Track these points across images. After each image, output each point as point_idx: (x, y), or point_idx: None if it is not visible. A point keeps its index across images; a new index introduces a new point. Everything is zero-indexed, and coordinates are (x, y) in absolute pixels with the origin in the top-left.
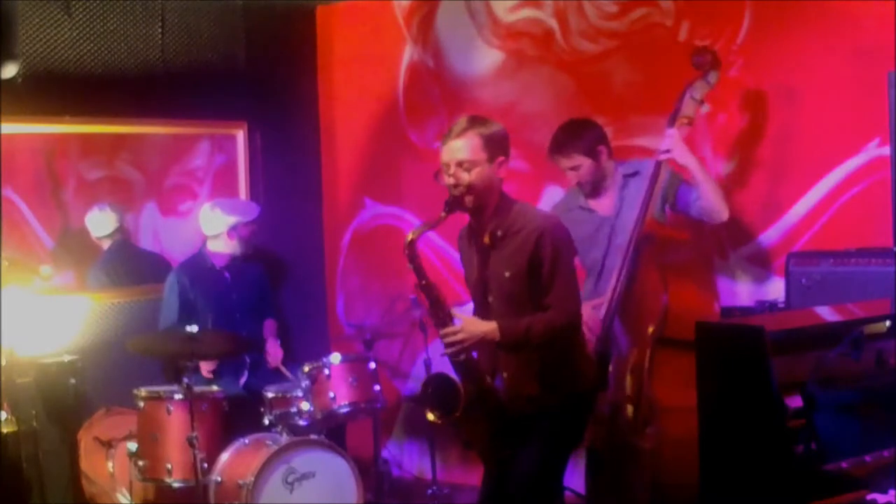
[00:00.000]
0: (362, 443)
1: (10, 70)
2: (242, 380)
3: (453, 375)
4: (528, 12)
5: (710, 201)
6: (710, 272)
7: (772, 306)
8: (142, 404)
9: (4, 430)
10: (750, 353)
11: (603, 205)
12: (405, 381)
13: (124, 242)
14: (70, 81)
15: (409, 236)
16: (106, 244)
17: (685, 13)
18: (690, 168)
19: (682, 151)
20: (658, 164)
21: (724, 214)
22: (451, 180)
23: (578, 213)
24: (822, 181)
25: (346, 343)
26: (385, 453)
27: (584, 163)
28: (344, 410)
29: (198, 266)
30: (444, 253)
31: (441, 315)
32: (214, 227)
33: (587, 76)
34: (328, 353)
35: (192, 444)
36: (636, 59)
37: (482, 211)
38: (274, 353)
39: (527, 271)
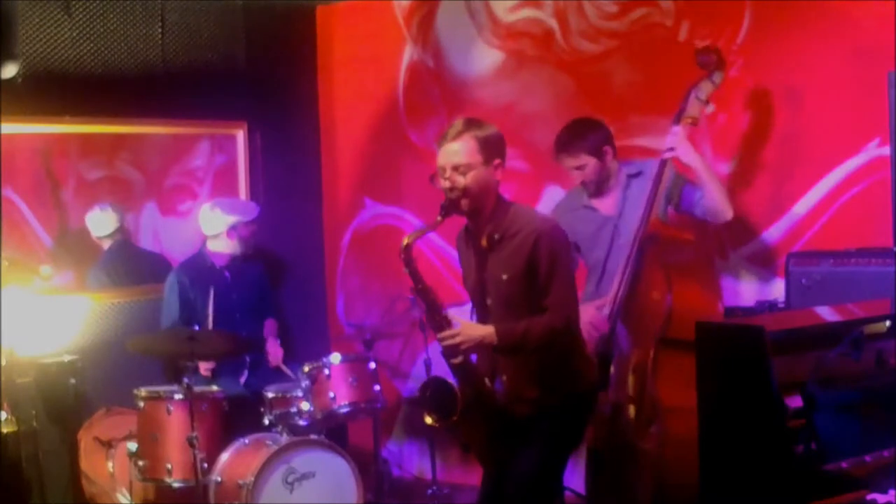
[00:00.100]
0: (362, 443)
1: (10, 70)
2: (242, 379)
3: (451, 379)
4: (528, 12)
5: (715, 201)
6: (713, 272)
7: (772, 306)
8: (142, 404)
9: (4, 430)
10: (750, 353)
11: (606, 204)
12: (405, 381)
13: (125, 242)
14: (70, 81)
15: (405, 241)
16: (106, 244)
17: (685, 13)
18: (695, 167)
19: (686, 150)
20: (663, 163)
21: (728, 214)
22: (446, 184)
23: (582, 213)
24: (822, 181)
25: (346, 343)
26: (385, 453)
27: (590, 162)
28: (344, 410)
29: (198, 266)
30: (443, 253)
31: (438, 319)
32: (214, 227)
33: (587, 76)
34: (328, 353)
35: (192, 444)
36: (636, 59)
37: (479, 214)
38: (274, 352)
39: (524, 274)
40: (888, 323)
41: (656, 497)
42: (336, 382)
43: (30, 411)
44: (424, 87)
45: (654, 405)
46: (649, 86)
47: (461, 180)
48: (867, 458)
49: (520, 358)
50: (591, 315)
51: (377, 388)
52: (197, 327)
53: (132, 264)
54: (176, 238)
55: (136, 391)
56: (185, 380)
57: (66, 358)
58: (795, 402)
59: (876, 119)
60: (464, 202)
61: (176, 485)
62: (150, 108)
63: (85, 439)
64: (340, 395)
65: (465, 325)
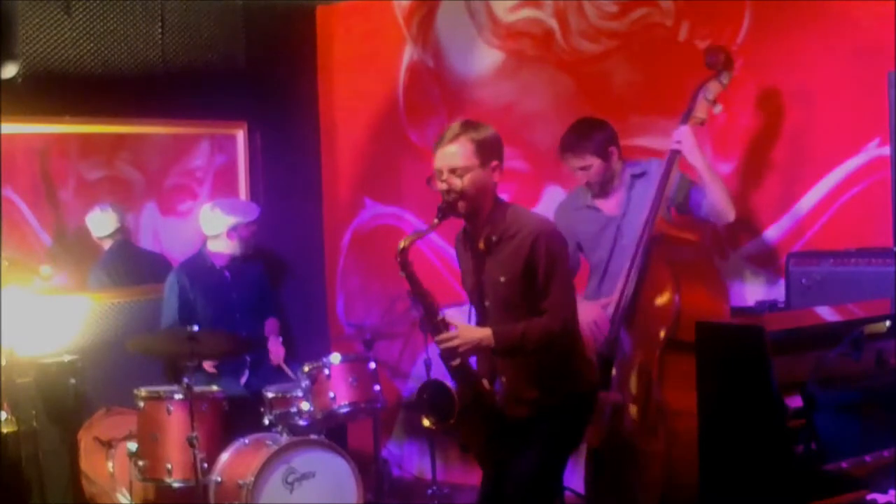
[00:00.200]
0: (362, 443)
1: (10, 70)
2: (243, 379)
3: (448, 382)
4: (528, 12)
5: (718, 202)
6: (719, 273)
7: (772, 306)
8: (142, 404)
9: (4, 430)
10: (750, 353)
11: (610, 205)
12: (405, 381)
13: (125, 242)
14: (70, 81)
15: (402, 244)
16: (107, 244)
17: (685, 13)
18: (698, 167)
19: (691, 150)
20: (672, 156)
21: (731, 215)
22: (443, 186)
23: (585, 213)
24: (822, 181)
25: (346, 343)
26: (385, 453)
27: (595, 163)
28: (344, 410)
29: (198, 266)
30: (444, 253)
31: (434, 322)
32: (214, 228)
33: (587, 76)
34: (328, 353)
35: (192, 444)
36: (636, 59)
37: (476, 216)
38: (276, 350)
39: (522, 276)
40: (888, 323)
41: (664, 498)
42: (336, 382)
43: (30, 411)
44: (424, 87)
45: (659, 407)
46: (649, 86)
47: (458, 183)
48: (867, 458)
49: (519, 359)
50: (597, 314)
51: (377, 388)
52: (197, 327)
53: (132, 264)
54: (176, 238)
55: (136, 391)
56: (185, 380)
57: (66, 358)
58: (795, 402)
59: (876, 119)
60: (461, 205)
61: (176, 485)
62: (150, 108)
63: (85, 439)
64: (340, 395)
65: (463, 327)
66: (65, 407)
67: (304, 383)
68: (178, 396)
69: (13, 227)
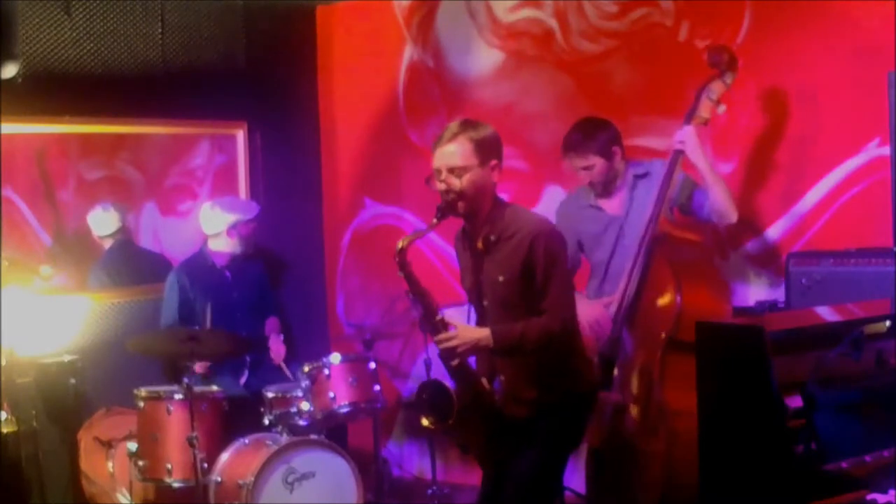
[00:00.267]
0: (362, 443)
1: (10, 70)
2: (243, 379)
3: (447, 382)
4: (528, 12)
5: (720, 203)
6: (721, 273)
7: (772, 306)
8: (142, 404)
9: (4, 430)
10: (750, 353)
11: (612, 205)
12: (405, 381)
13: (126, 242)
14: (70, 81)
15: (400, 244)
16: (107, 243)
17: (685, 13)
18: (700, 168)
19: (694, 150)
20: (675, 155)
21: (733, 216)
22: (442, 186)
23: (587, 212)
24: (822, 181)
25: (346, 343)
26: (385, 453)
27: (598, 163)
28: (344, 410)
29: (198, 265)
30: (443, 253)
31: (433, 322)
32: (214, 226)
33: (587, 76)
34: (328, 353)
35: (192, 444)
36: (636, 59)
37: (475, 215)
38: (277, 349)
39: (520, 276)
40: (888, 323)
41: (665, 498)
42: (336, 382)
43: (30, 411)
44: (424, 87)
45: (660, 407)
46: (649, 86)
47: (457, 183)
48: (867, 458)
49: (518, 359)
50: (599, 313)
51: (377, 388)
52: (197, 327)
53: (133, 264)
54: (176, 238)
55: (136, 391)
56: (185, 380)
57: (66, 358)
58: (795, 402)
59: (876, 119)
60: (460, 205)
61: (176, 485)
62: (150, 108)
63: (85, 439)
64: (340, 395)
65: (462, 327)
66: (65, 407)
67: (304, 383)
68: (178, 396)
69: (13, 227)
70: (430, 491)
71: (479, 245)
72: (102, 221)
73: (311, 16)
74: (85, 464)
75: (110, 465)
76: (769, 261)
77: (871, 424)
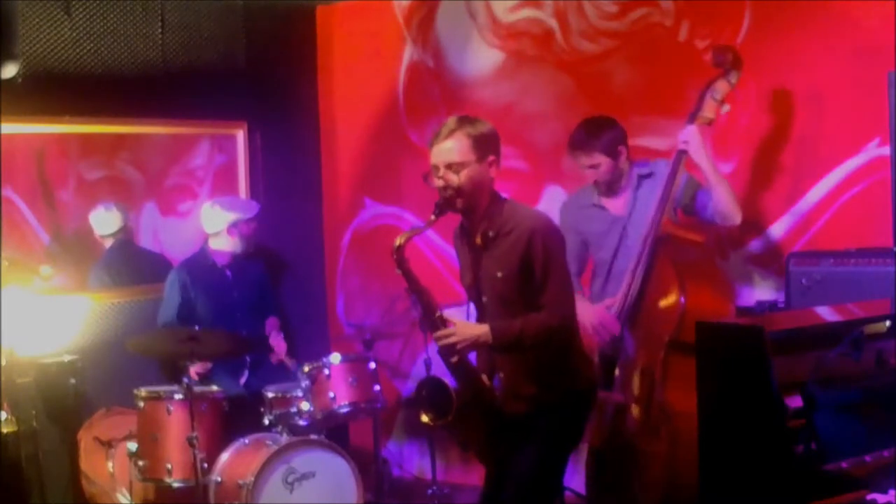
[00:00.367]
0: (362, 443)
1: (10, 70)
2: (242, 379)
3: (446, 378)
4: (528, 12)
5: (724, 203)
6: (724, 274)
7: (772, 306)
8: (142, 404)
9: (4, 430)
10: (750, 353)
11: (616, 205)
12: (405, 381)
13: (127, 242)
14: (70, 81)
15: (398, 241)
16: (108, 243)
17: (685, 13)
18: (704, 168)
19: (697, 150)
20: (678, 156)
21: (737, 218)
22: (440, 182)
23: (591, 211)
24: (822, 181)
25: (346, 343)
26: (385, 453)
27: (604, 162)
28: (344, 410)
29: (199, 264)
30: (443, 253)
31: (432, 319)
32: (215, 225)
33: (587, 76)
34: (328, 353)
35: (192, 444)
36: (636, 59)
37: (473, 212)
38: (278, 345)
39: (519, 271)
40: (888, 323)
41: (667, 498)
42: (336, 382)
43: (30, 411)
44: (424, 87)
45: (662, 408)
46: (649, 86)
47: (455, 179)
48: (867, 458)
49: (517, 355)
50: (603, 317)
51: (377, 388)
52: (197, 326)
53: (133, 264)
54: (176, 238)
55: (136, 391)
56: (185, 380)
57: (66, 358)
58: (795, 402)
59: (876, 119)
60: (458, 201)
61: (176, 485)
62: (150, 108)
63: (85, 439)
64: (340, 395)
65: (461, 324)
66: (65, 407)
67: (304, 383)
68: (178, 396)
69: (13, 227)
70: (430, 491)
71: (478, 241)
72: (104, 221)
73: (311, 16)
74: (85, 464)
75: (110, 465)
76: (769, 261)
77: (871, 424)
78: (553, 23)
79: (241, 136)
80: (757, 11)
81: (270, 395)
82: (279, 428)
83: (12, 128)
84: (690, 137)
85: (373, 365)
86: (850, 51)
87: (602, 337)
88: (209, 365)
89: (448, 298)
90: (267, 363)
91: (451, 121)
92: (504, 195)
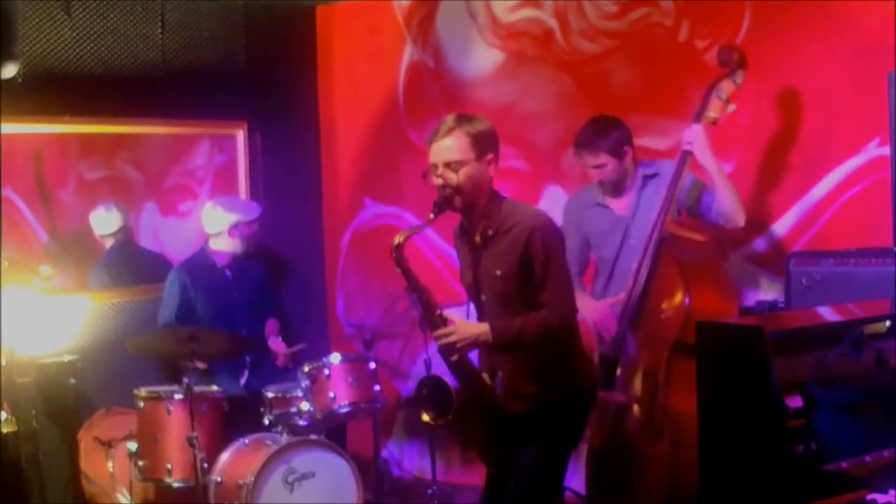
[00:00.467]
0: (362, 443)
1: (10, 70)
2: (242, 380)
3: (446, 377)
4: (528, 12)
5: (728, 205)
6: (728, 275)
7: (772, 306)
8: (142, 404)
9: (4, 430)
10: (750, 353)
11: (621, 205)
12: (405, 381)
13: (127, 242)
14: (70, 81)
15: (397, 240)
16: (108, 243)
17: (685, 13)
18: (708, 169)
19: (702, 150)
20: (683, 157)
21: (741, 219)
22: (439, 181)
23: (595, 210)
24: (822, 181)
25: (346, 343)
26: (385, 453)
27: (610, 162)
28: (344, 410)
29: (199, 264)
30: (443, 253)
31: (432, 318)
32: (216, 225)
33: (587, 76)
34: (328, 353)
35: (192, 444)
36: (636, 59)
37: (472, 210)
38: (278, 348)
39: (518, 270)
40: (888, 323)
41: (668, 499)
42: (336, 382)
43: (30, 411)
44: (424, 87)
45: (665, 409)
46: (649, 86)
47: (454, 177)
48: (867, 458)
49: (516, 354)
50: (605, 315)
51: (377, 388)
52: (197, 326)
53: (134, 264)
54: (176, 238)
55: (136, 391)
56: (185, 380)
57: (66, 358)
58: (795, 402)
59: (876, 119)
60: (457, 199)
61: (176, 485)
62: (150, 108)
63: (85, 439)
64: (340, 395)
65: (461, 322)
66: (65, 407)
67: (304, 383)
68: (178, 396)
69: (13, 227)
70: (430, 491)
71: (477, 240)
72: (104, 221)
73: (311, 16)
74: (85, 464)
75: (110, 465)
76: (769, 261)
77: (871, 424)
78: (553, 23)
79: (241, 136)
80: (757, 11)
81: (270, 395)
82: (279, 428)
83: (12, 128)
84: (695, 137)
85: (373, 365)
86: (850, 51)
87: (600, 334)
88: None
89: (448, 299)
90: (267, 363)
91: (450, 119)
92: (503, 194)
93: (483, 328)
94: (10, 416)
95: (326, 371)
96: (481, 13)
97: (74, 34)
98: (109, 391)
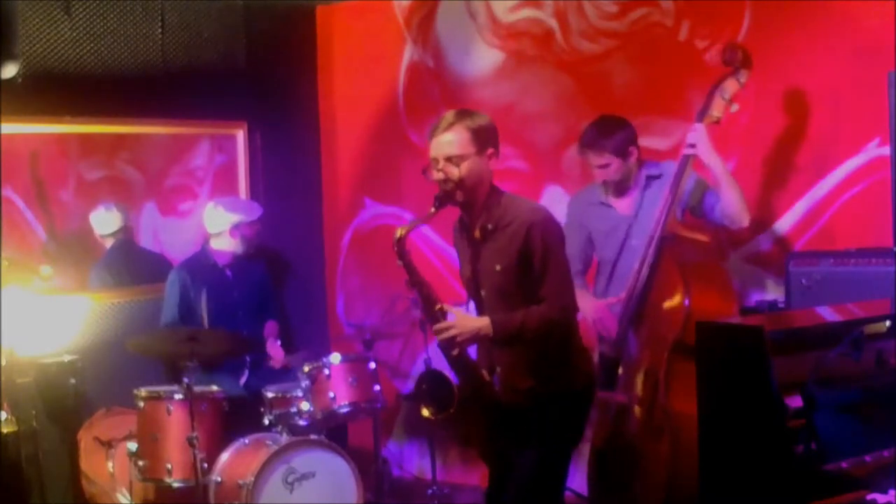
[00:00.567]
0: (362, 443)
1: (10, 70)
2: (242, 380)
3: (447, 372)
4: (528, 12)
5: (733, 205)
6: (729, 275)
7: (772, 306)
8: (142, 404)
9: (4, 430)
10: (750, 353)
11: (623, 204)
12: (405, 381)
13: (128, 242)
14: (70, 81)
15: (398, 232)
16: (109, 242)
17: (685, 13)
18: (713, 169)
19: (706, 149)
20: (684, 160)
21: (745, 219)
22: (440, 175)
23: (597, 209)
24: (822, 181)
25: (346, 343)
26: (385, 453)
27: (614, 162)
28: (344, 410)
29: (200, 264)
30: (443, 252)
31: (433, 312)
32: (217, 225)
33: (587, 76)
34: (328, 353)
35: (192, 444)
36: (636, 59)
37: (472, 204)
38: (275, 354)
39: (517, 264)
40: (888, 323)
41: (668, 499)
42: (336, 382)
43: (30, 411)
44: (424, 87)
45: (665, 410)
46: (649, 86)
47: (455, 171)
48: (867, 458)
49: (515, 349)
50: (604, 314)
51: (377, 388)
52: (197, 326)
53: (134, 264)
54: (176, 238)
55: (136, 391)
56: (185, 380)
57: (66, 358)
58: (795, 402)
59: (876, 119)
60: (458, 193)
61: (176, 485)
62: (150, 108)
63: (85, 439)
64: (340, 395)
65: (461, 316)
66: (65, 407)
67: (304, 383)
68: (178, 396)
69: (13, 227)
70: (430, 491)
71: (477, 234)
72: (105, 221)
73: (311, 16)
74: (85, 464)
75: (110, 465)
76: (769, 261)
77: (871, 424)
78: (553, 23)
79: (241, 136)
80: (757, 11)
81: (270, 395)
82: (279, 428)
83: (12, 128)
84: (698, 139)
85: (373, 365)
86: (850, 51)
87: (599, 332)
88: None
89: (448, 298)
90: (267, 363)
91: (450, 114)
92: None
93: (483, 322)
94: (10, 416)
95: (326, 371)
96: (481, 13)
97: (74, 34)
98: (109, 391)
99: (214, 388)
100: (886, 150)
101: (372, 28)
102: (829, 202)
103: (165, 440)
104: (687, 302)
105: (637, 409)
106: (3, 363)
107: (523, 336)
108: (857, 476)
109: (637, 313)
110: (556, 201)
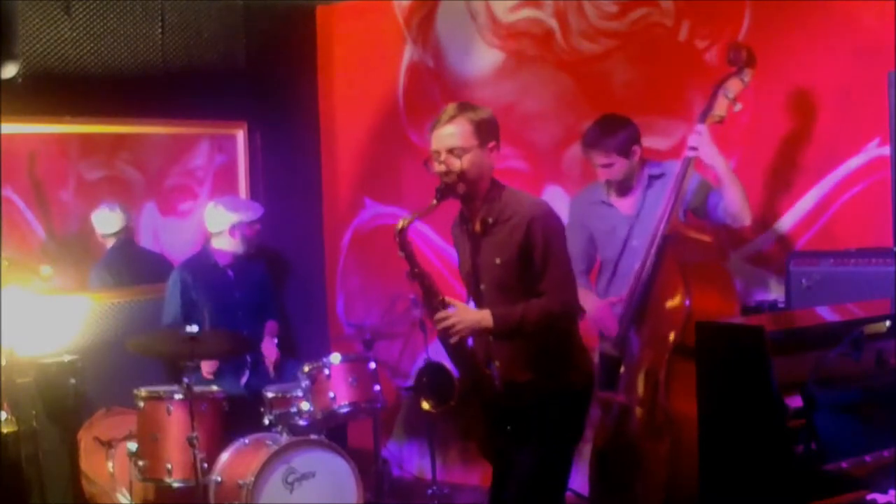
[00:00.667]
0: (362, 443)
1: (10, 70)
2: (243, 380)
3: (448, 365)
4: (528, 12)
5: (736, 204)
6: (730, 276)
7: (772, 306)
8: (142, 404)
9: (4, 430)
10: (750, 353)
11: (626, 204)
12: (405, 381)
13: (128, 242)
14: (70, 81)
15: (400, 224)
16: (110, 242)
17: (685, 13)
18: (717, 168)
19: (709, 150)
20: (685, 163)
21: (747, 219)
22: (441, 168)
23: (599, 208)
24: (822, 181)
25: (346, 343)
26: (385, 453)
27: (618, 161)
28: (344, 410)
29: (201, 263)
30: (443, 252)
31: (434, 302)
32: (217, 225)
33: (587, 76)
34: (328, 353)
35: (192, 444)
36: (636, 59)
37: (474, 198)
38: (269, 352)
39: (517, 258)
40: (888, 323)
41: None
42: (336, 382)
43: (30, 411)
44: (424, 88)
45: (666, 410)
46: (649, 86)
47: (457, 163)
48: (867, 458)
49: (513, 343)
50: (605, 313)
51: (377, 388)
52: (198, 326)
53: (135, 264)
54: (176, 238)
55: (136, 391)
56: (185, 380)
57: (66, 358)
58: (795, 402)
59: (876, 119)
60: (460, 186)
61: (176, 485)
62: (150, 108)
63: (85, 439)
64: (340, 395)
65: (462, 307)
66: (65, 407)
67: (304, 383)
68: (178, 396)
69: (13, 227)
70: (430, 491)
71: (477, 227)
72: (107, 221)
73: (311, 16)
74: (85, 464)
75: (110, 465)
76: (769, 261)
77: (871, 424)
78: (553, 23)
79: (241, 136)
80: (757, 11)
81: (270, 395)
82: (279, 428)
83: (12, 128)
84: (700, 142)
85: (373, 365)
86: (850, 51)
87: (599, 331)
88: (217, 364)
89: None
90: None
91: (451, 107)
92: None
93: (484, 313)
94: (10, 416)
95: (326, 371)
96: (481, 13)
97: (74, 34)
98: (109, 391)
99: (214, 388)
100: (886, 150)
101: (372, 28)
102: (830, 202)
103: (165, 440)
104: (688, 302)
105: (638, 410)
106: (3, 363)
107: (523, 329)
108: (857, 476)
109: (638, 313)
110: (556, 201)
